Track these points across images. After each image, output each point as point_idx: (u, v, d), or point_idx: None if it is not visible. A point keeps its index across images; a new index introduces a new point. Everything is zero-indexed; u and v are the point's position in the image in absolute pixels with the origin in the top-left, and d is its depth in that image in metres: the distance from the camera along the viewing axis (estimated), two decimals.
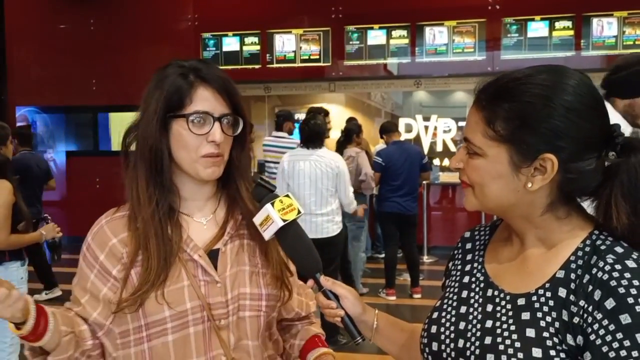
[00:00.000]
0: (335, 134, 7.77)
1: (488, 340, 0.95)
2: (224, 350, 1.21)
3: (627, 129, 2.58)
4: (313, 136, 4.36)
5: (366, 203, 6.06)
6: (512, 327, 0.94)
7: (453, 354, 1.00)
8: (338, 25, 7.59)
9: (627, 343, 0.83)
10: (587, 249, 0.93)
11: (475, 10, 7.17)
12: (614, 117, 2.57)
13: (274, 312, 1.32)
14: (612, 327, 0.84)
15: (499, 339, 0.94)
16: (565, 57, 6.94)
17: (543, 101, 0.91)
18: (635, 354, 0.82)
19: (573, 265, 0.93)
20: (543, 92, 0.91)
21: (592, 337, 0.86)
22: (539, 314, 0.92)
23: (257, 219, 1.15)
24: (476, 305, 1.02)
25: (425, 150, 7.79)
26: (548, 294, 0.93)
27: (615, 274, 0.87)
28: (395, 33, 7.46)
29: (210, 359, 1.20)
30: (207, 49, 7.98)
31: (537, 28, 7.06)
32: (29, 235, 3.21)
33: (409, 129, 8.27)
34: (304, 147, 4.41)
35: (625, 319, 0.84)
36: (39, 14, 8.45)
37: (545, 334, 0.90)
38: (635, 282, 0.85)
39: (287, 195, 1.16)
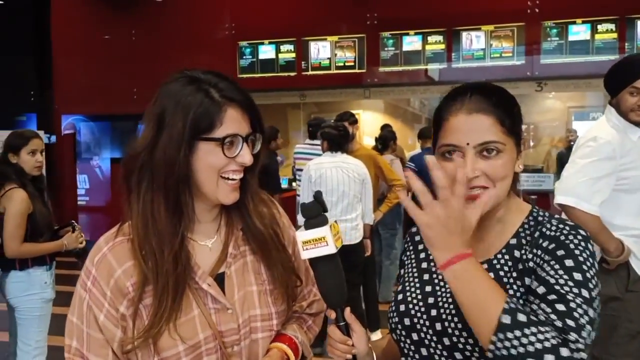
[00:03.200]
0: (369, 140, 7.74)
1: None
2: None
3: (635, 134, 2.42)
4: (343, 140, 4.37)
5: (400, 210, 6.00)
6: None
7: (427, 322, 1.13)
8: (373, 31, 7.56)
9: (557, 267, 1.04)
10: (532, 222, 1.15)
11: (514, 14, 7.01)
12: (620, 123, 2.44)
13: (285, 321, 1.31)
14: (552, 262, 1.05)
15: None
16: (608, 61, 6.68)
17: (513, 101, 1.17)
18: (561, 272, 1.03)
19: (522, 234, 1.14)
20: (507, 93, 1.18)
21: (539, 271, 1.06)
22: (501, 273, 1.12)
23: (305, 236, 1.10)
24: (441, 283, 1.17)
25: None
26: (506, 257, 1.13)
27: (560, 230, 1.09)
28: (431, 38, 7.36)
29: None
30: (244, 57, 8.07)
31: (579, 31, 6.83)
32: (47, 244, 3.19)
33: None
34: (328, 151, 4.41)
35: (560, 253, 1.06)
36: (84, 26, 8.76)
37: (507, 285, 1.10)
38: (573, 232, 1.08)
39: (335, 222, 1.14)
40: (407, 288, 1.21)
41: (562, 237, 1.07)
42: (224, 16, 8.17)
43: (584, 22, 6.80)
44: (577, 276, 1.02)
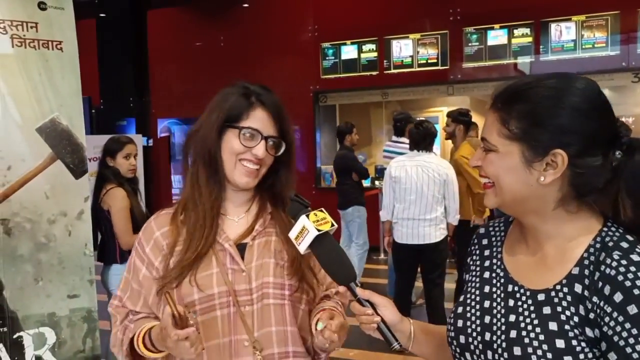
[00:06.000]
0: None
1: (513, 334, 1.01)
2: (248, 335, 1.32)
3: None
4: (426, 138, 4.32)
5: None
6: (535, 322, 1.00)
7: (480, 346, 1.07)
8: (456, 27, 7.45)
9: (634, 331, 0.90)
10: (597, 245, 0.99)
11: (607, 2, 6.66)
12: None
13: (301, 303, 1.40)
14: (621, 319, 0.91)
15: (524, 333, 1.00)
16: None
17: (552, 101, 0.99)
18: None
19: (586, 262, 0.98)
20: (552, 93, 1.00)
21: (605, 329, 0.93)
22: (559, 309, 0.98)
23: (293, 233, 1.22)
24: (498, 300, 1.08)
25: None
26: (565, 290, 0.99)
27: (622, 269, 0.93)
28: (517, 32, 7.15)
29: (234, 341, 1.32)
30: (327, 58, 8.21)
31: None
32: None
33: None
34: (412, 149, 4.39)
35: (632, 309, 0.91)
36: (177, 35, 9.27)
37: (567, 327, 0.96)
38: None
39: (321, 210, 1.23)
40: (468, 301, 1.15)
41: (629, 284, 0.92)
42: (307, 19, 8.36)
43: None
44: None
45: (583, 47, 6.84)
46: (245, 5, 8.92)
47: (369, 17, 7.92)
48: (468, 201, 4.75)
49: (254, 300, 1.34)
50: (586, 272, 0.98)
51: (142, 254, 1.41)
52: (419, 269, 4.54)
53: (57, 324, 3.14)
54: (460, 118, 4.92)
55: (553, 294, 1.00)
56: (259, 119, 1.36)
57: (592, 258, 0.98)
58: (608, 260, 0.95)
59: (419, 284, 4.92)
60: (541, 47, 7.04)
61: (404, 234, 4.35)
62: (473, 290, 1.15)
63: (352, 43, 8.05)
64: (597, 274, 0.95)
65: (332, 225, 1.21)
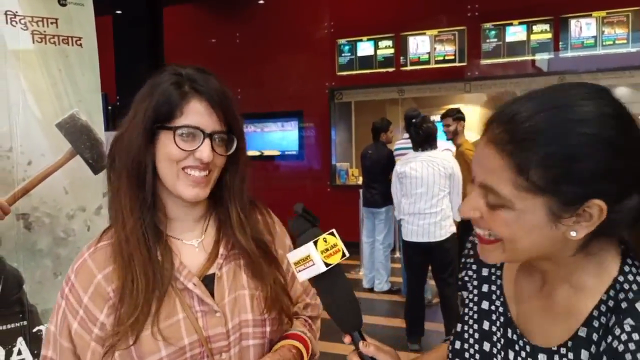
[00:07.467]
0: (469, 135, 7.56)
1: None
2: None
3: None
4: (429, 138, 4.29)
5: None
6: None
7: None
8: (474, 23, 7.37)
9: None
10: (611, 303, 0.81)
11: None
12: None
13: (280, 333, 1.20)
14: None
15: None
16: None
17: (588, 141, 0.75)
18: None
19: (595, 323, 0.81)
20: (587, 129, 0.76)
21: None
22: None
23: (293, 257, 0.98)
24: (499, 346, 0.93)
25: None
26: (570, 356, 0.83)
27: (631, 345, 0.75)
28: (536, 28, 7.06)
29: None
30: (343, 54, 8.18)
31: None
32: None
33: None
34: (417, 150, 4.36)
35: None
36: (192, 33, 9.28)
37: None
38: None
39: (332, 234, 0.99)
40: (466, 336, 0.98)
41: (629, 357, 0.75)
42: (323, 15, 8.33)
43: None
44: None
45: (603, 43, 6.74)
46: (261, 1, 8.91)
47: (385, 13, 7.87)
48: None
49: (231, 345, 1.10)
50: (594, 336, 0.81)
51: (75, 304, 1.08)
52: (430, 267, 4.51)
53: None
54: (460, 115, 5.15)
55: (556, 357, 0.84)
56: (196, 113, 1.06)
57: (603, 319, 0.80)
58: (617, 331, 0.77)
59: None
60: (561, 43, 6.94)
61: (410, 231, 4.32)
62: (471, 322, 0.98)
63: (369, 39, 8.00)
64: (604, 344, 0.78)
65: (344, 255, 0.97)
